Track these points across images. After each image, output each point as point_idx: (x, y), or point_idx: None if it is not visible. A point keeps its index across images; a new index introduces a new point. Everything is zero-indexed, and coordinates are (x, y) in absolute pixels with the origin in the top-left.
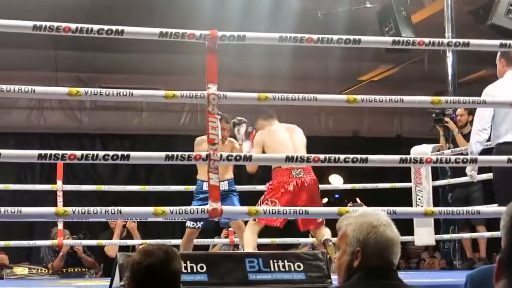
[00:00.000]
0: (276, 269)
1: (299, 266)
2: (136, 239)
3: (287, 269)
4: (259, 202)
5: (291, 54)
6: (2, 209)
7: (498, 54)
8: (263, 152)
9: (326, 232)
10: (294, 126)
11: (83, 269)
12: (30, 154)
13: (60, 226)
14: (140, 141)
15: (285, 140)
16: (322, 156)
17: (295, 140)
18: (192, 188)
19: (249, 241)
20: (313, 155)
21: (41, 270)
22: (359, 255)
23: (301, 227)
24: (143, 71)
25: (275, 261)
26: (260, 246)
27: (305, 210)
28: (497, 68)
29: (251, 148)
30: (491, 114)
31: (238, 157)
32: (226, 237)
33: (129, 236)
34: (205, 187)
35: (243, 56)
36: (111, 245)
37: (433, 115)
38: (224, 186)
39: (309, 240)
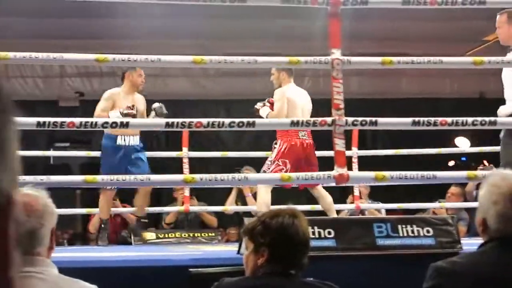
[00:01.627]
0: (405, 234)
1: (428, 231)
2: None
3: (416, 234)
4: (268, 163)
5: (413, 16)
6: (132, 176)
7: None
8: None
9: (323, 193)
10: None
11: (210, 234)
12: (157, 123)
13: (187, 192)
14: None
15: (298, 103)
16: (449, 119)
17: (303, 103)
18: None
19: (263, 200)
20: (439, 119)
21: (168, 234)
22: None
23: (300, 186)
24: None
25: (403, 226)
26: (387, 212)
27: (433, 175)
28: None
29: (274, 110)
30: None
31: (363, 122)
32: (351, 203)
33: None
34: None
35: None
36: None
37: None
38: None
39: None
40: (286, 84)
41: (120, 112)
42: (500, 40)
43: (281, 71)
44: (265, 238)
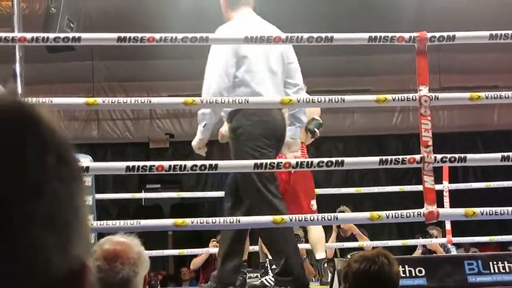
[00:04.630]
0: (496, 270)
1: None
2: (361, 241)
3: (507, 270)
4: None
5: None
6: (222, 219)
7: None
8: None
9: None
10: None
11: None
12: (246, 164)
13: None
14: (352, 143)
15: None
16: None
17: None
18: (407, 188)
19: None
20: None
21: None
22: None
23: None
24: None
25: (495, 262)
26: (478, 245)
27: None
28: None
29: None
30: None
31: (452, 159)
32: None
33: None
34: None
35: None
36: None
37: None
38: None
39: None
40: None
41: None
42: None
43: None
44: (346, 282)
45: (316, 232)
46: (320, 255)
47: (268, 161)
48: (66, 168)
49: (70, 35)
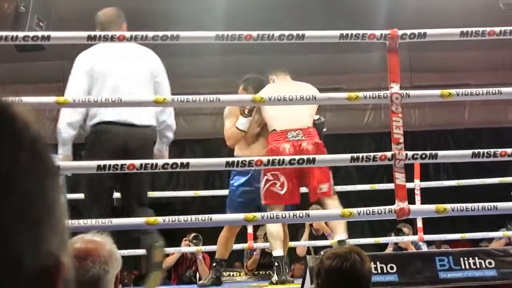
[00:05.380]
0: (467, 266)
1: (490, 263)
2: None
3: (478, 266)
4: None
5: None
6: (194, 217)
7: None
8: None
9: (335, 204)
10: None
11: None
12: (218, 162)
13: (250, 229)
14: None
15: None
16: (509, 150)
17: None
18: (378, 186)
19: (272, 231)
20: (499, 150)
21: (234, 273)
22: None
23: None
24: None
25: (465, 258)
26: (449, 242)
27: (494, 206)
28: None
29: None
30: None
31: (423, 155)
32: None
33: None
34: None
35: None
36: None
37: None
38: None
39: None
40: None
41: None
42: None
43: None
44: (318, 279)
45: (273, 228)
46: (277, 252)
47: (240, 159)
48: (41, 165)
49: (40, 33)
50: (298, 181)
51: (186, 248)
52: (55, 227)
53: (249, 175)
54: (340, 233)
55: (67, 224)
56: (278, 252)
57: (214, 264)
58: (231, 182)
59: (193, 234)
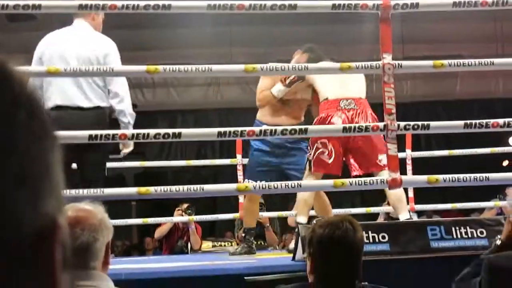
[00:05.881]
0: (459, 236)
1: (481, 232)
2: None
3: (469, 235)
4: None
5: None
6: (186, 187)
7: None
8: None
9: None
10: None
11: (265, 243)
12: (209, 132)
13: (241, 199)
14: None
15: None
16: (501, 121)
17: None
18: None
19: (305, 196)
20: (492, 121)
21: (225, 244)
22: None
23: (361, 169)
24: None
25: (457, 228)
26: (443, 212)
27: (486, 177)
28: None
29: None
30: None
31: (416, 126)
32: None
33: None
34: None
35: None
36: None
37: None
38: None
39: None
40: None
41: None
42: None
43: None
44: (310, 248)
45: (303, 196)
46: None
47: (232, 129)
48: (38, 124)
49: (30, 2)
50: (344, 152)
51: (178, 218)
52: (53, 188)
53: (270, 144)
54: (402, 212)
55: (64, 186)
56: (301, 219)
57: (243, 235)
58: (252, 149)
59: (186, 204)
